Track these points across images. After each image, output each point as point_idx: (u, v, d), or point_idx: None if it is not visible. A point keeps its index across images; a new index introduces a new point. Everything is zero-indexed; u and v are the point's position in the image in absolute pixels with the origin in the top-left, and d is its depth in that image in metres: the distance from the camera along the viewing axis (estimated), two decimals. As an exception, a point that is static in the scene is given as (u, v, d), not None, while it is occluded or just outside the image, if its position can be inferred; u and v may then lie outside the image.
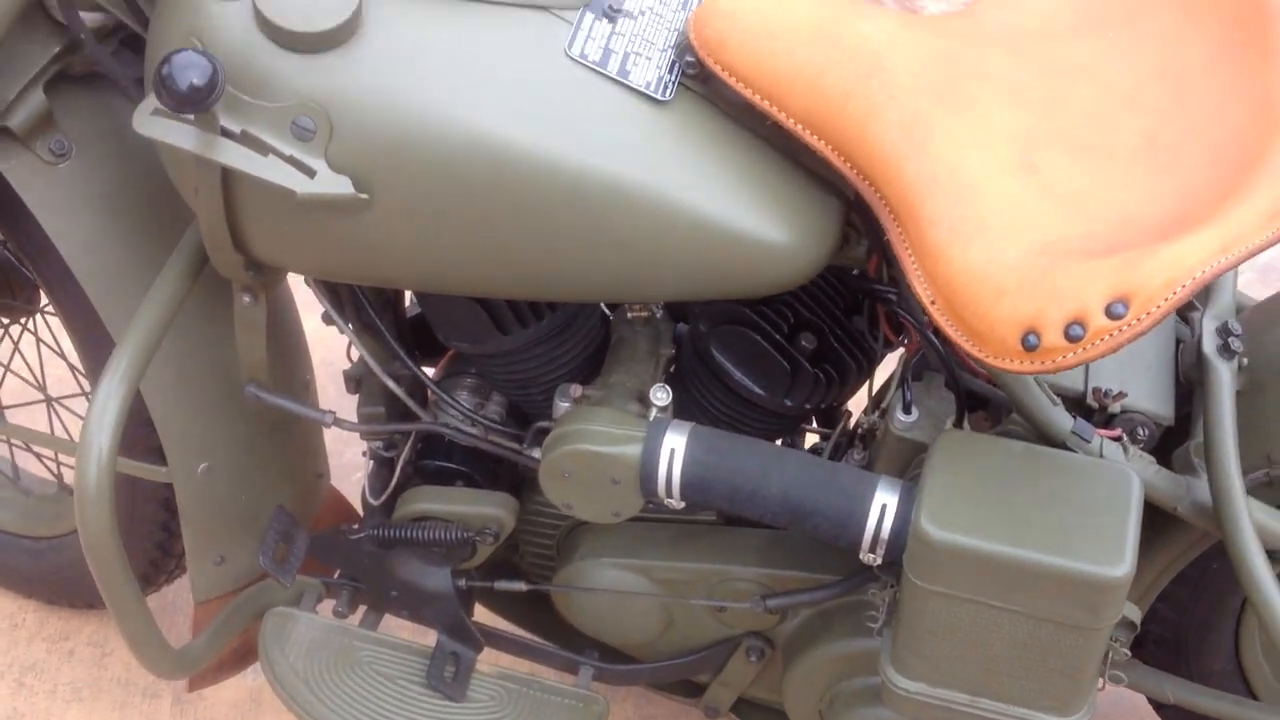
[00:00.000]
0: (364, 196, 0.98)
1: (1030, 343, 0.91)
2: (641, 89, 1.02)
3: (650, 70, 1.03)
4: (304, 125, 0.96)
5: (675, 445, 1.11)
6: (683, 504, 1.13)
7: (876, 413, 1.21)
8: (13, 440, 1.63)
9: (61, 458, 1.61)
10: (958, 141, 0.99)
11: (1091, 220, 0.96)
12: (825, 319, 1.21)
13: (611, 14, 1.04)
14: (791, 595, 1.26)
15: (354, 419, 1.30)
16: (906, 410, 1.15)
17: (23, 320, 1.54)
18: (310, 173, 0.97)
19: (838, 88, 1.01)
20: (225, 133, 0.97)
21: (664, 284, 1.06)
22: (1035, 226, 0.95)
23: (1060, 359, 0.90)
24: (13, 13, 1.07)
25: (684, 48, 1.04)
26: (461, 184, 1.00)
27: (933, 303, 0.97)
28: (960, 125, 1.00)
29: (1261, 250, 0.89)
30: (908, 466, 1.17)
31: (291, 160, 0.97)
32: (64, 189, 1.19)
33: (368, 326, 1.23)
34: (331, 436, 1.40)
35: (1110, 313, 0.88)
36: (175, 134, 0.96)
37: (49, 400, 1.56)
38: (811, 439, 1.39)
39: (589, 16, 1.03)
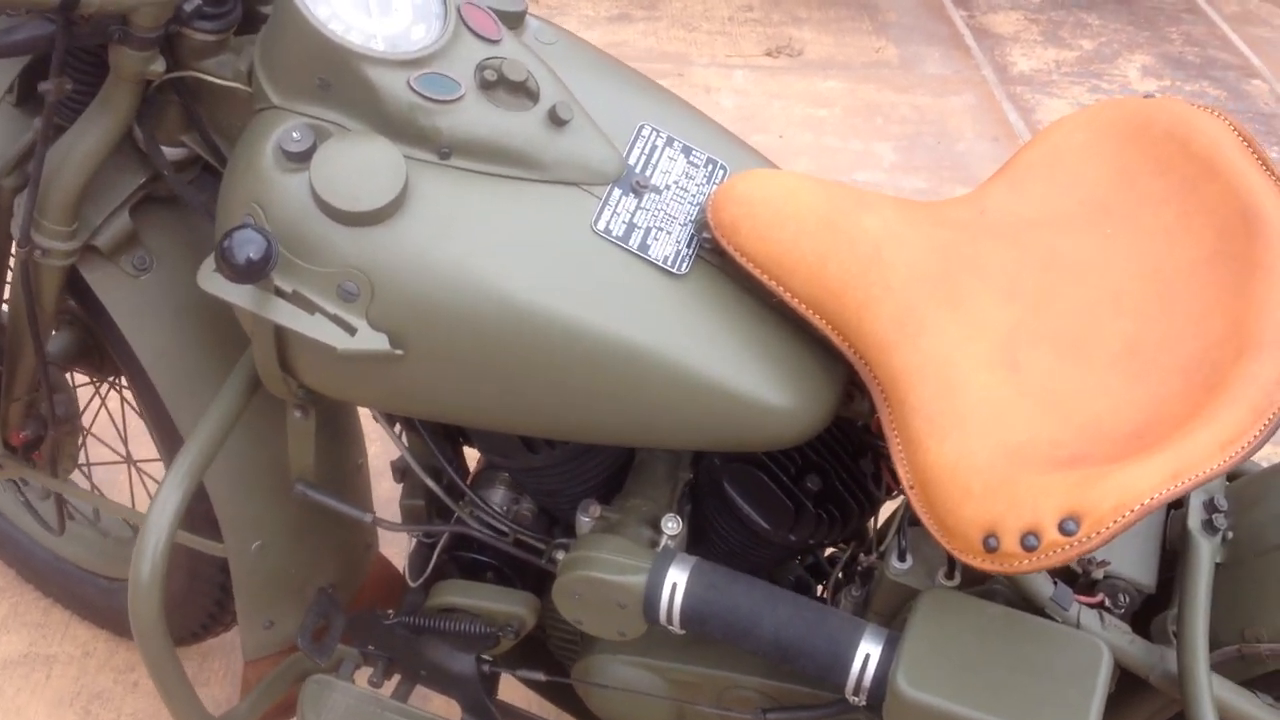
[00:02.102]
0: (399, 352, 1.08)
1: (990, 545, 0.98)
2: (659, 263, 1.11)
3: (669, 245, 1.12)
4: (349, 289, 1.07)
5: (677, 580, 1.20)
6: (683, 631, 1.22)
7: (875, 554, 1.29)
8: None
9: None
10: (947, 335, 1.06)
11: (1063, 423, 1.02)
12: (831, 463, 1.29)
13: (638, 190, 1.13)
14: (791, 711, 1.34)
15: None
16: (901, 558, 1.22)
17: (110, 380, 1.67)
18: (351, 330, 1.07)
19: (837, 277, 1.08)
20: (279, 291, 1.07)
21: (674, 436, 1.15)
22: (1008, 425, 1.02)
23: (1018, 564, 0.97)
24: (104, 152, 1.19)
25: (702, 224, 1.13)
26: (488, 344, 1.09)
27: (910, 487, 1.05)
28: (951, 319, 1.07)
29: (1213, 479, 0.95)
30: (900, 609, 1.24)
31: (335, 319, 1.07)
32: (143, 299, 1.31)
33: (411, 427, 1.33)
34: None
35: (1062, 529, 0.95)
36: (234, 293, 1.07)
37: (130, 462, 1.69)
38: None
39: (617, 192, 1.12)
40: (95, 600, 1.80)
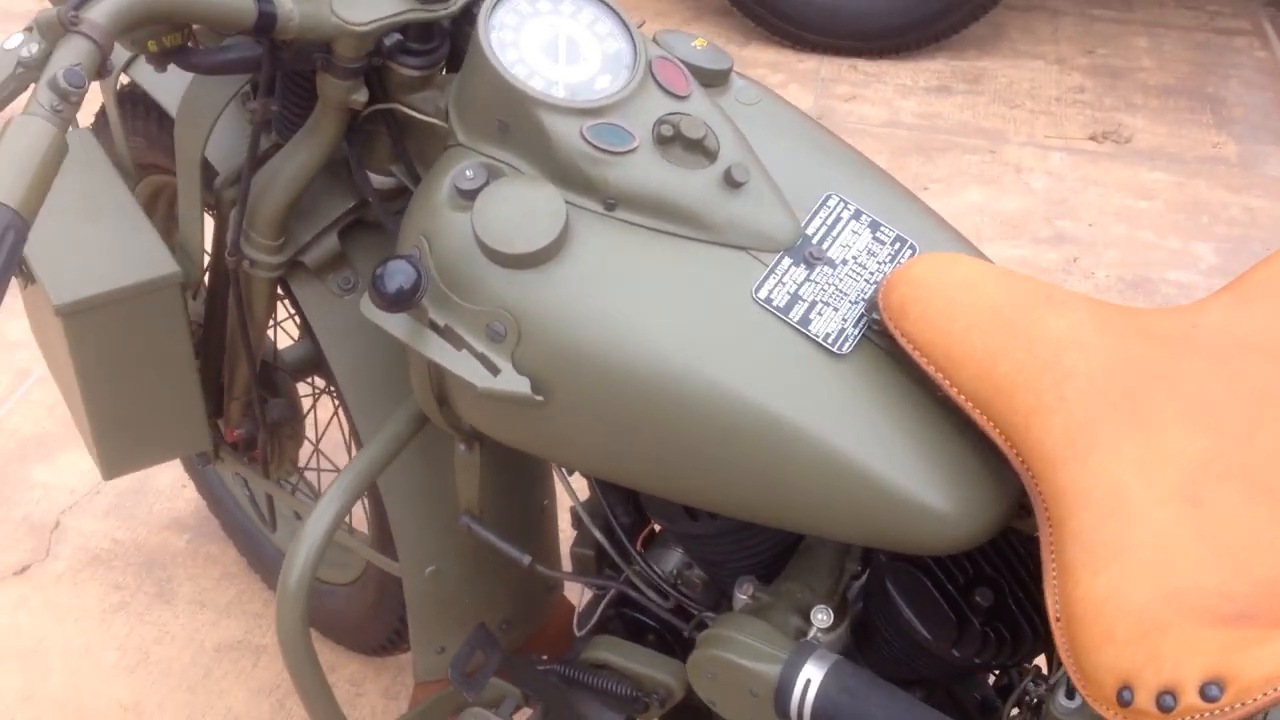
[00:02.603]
0: (539, 399, 1.07)
1: (1124, 698, 0.87)
2: (818, 340, 1.05)
3: (833, 321, 1.06)
4: (496, 329, 1.06)
5: (812, 676, 1.13)
6: (815, 732, 1.14)
7: (1045, 686, 1.17)
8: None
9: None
10: (1123, 458, 0.95)
11: (1238, 574, 0.90)
12: (1006, 578, 1.19)
13: (811, 261, 1.08)
14: None
15: None
16: (1070, 695, 1.11)
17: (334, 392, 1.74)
18: (495, 370, 1.07)
19: (1009, 378, 0.99)
20: (432, 324, 1.08)
21: (817, 523, 1.08)
22: (1174, 568, 0.90)
23: None
24: (309, 174, 1.23)
25: (874, 304, 1.06)
26: (631, 401, 1.06)
27: (1056, 619, 0.95)
28: (1131, 440, 0.96)
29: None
30: (1064, 749, 1.12)
31: (481, 357, 1.07)
32: (346, 318, 1.35)
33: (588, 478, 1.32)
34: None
35: (1204, 693, 0.83)
36: (391, 323, 1.09)
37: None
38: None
39: (786, 261, 1.07)
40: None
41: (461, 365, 1.07)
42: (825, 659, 1.14)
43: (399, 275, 1.03)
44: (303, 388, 1.67)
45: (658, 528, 1.41)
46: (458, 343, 1.08)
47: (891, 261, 1.10)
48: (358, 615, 1.77)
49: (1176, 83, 3.51)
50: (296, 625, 1.27)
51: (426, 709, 1.49)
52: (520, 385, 1.07)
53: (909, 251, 1.12)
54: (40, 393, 2.36)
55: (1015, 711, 1.19)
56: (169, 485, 2.18)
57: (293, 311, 1.47)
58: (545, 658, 1.42)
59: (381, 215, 1.28)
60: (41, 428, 2.30)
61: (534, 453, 1.19)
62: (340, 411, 1.52)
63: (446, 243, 1.07)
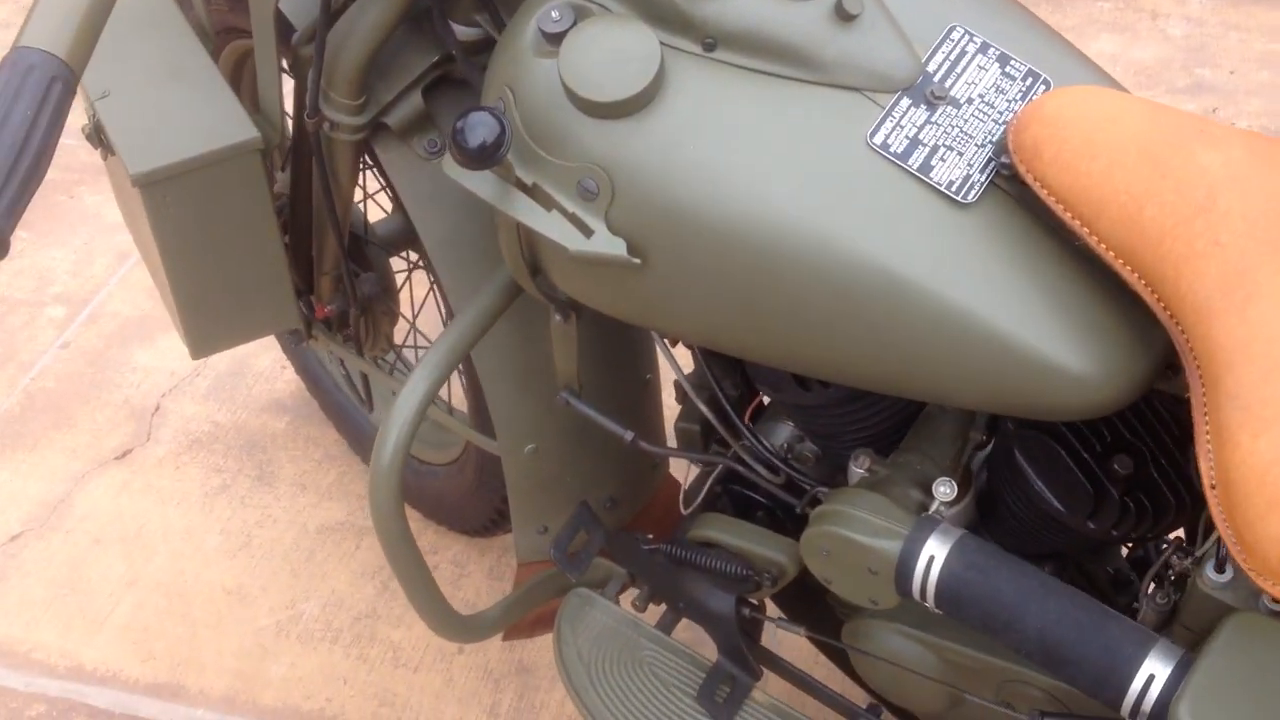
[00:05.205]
0: (636, 261, 0.99)
1: (1292, 571, 0.78)
2: (941, 188, 0.95)
3: (958, 168, 0.96)
4: (589, 186, 0.98)
5: (935, 552, 1.05)
6: (938, 610, 1.07)
7: (1190, 559, 1.08)
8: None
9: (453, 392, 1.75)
10: (1287, 307, 0.85)
11: None
12: (1149, 444, 1.09)
13: (933, 101, 0.98)
14: (1069, 716, 1.17)
15: None
16: (1220, 569, 1.02)
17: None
18: (588, 231, 0.99)
19: (1156, 223, 0.89)
20: (519, 183, 1.00)
21: (941, 390, 1.00)
22: (1349, 429, 0.81)
23: None
24: (389, 25, 1.15)
25: (1002, 147, 0.96)
26: (736, 260, 0.98)
27: (1211, 486, 0.86)
28: (1296, 288, 0.86)
29: None
30: (1212, 628, 1.04)
31: (573, 217, 0.99)
32: (432, 184, 1.28)
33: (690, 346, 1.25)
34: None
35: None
36: (475, 182, 1.01)
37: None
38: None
39: (905, 102, 0.97)
40: (408, 481, 1.83)
41: (552, 227, 1.00)
42: (949, 534, 1.06)
43: (480, 128, 0.95)
44: (398, 263, 1.62)
45: (766, 400, 1.33)
46: (547, 202, 1.00)
47: (1023, 99, 1.00)
48: (458, 496, 1.73)
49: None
50: (391, 504, 1.22)
51: (531, 589, 1.45)
52: (615, 247, 0.99)
53: (1042, 87, 1.01)
54: (139, 275, 2.34)
55: (1153, 587, 1.11)
56: (268, 367, 2.16)
57: (384, 183, 1.40)
58: (651, 536, 1.36)
59: (467, 70, 1.20)
60: (142, 310, 2.29)
61: (633, 321, 1.12)
62: (435, 286, 1.45)
63: (532, 92, 0.99)
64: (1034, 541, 1.18)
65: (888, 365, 0.99)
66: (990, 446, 1.19)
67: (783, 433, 1.30)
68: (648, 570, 1.38)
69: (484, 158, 0.96)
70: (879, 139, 0.96)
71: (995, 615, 1.03)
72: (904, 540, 1.06)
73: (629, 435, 1.28)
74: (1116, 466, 1.09)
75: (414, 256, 1.64)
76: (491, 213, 1.24)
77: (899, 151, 0.96)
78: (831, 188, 0.95)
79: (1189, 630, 1.08)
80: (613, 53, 0.96)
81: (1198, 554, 1.07)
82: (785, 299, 0.98)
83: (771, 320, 1.00)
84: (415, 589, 1.30)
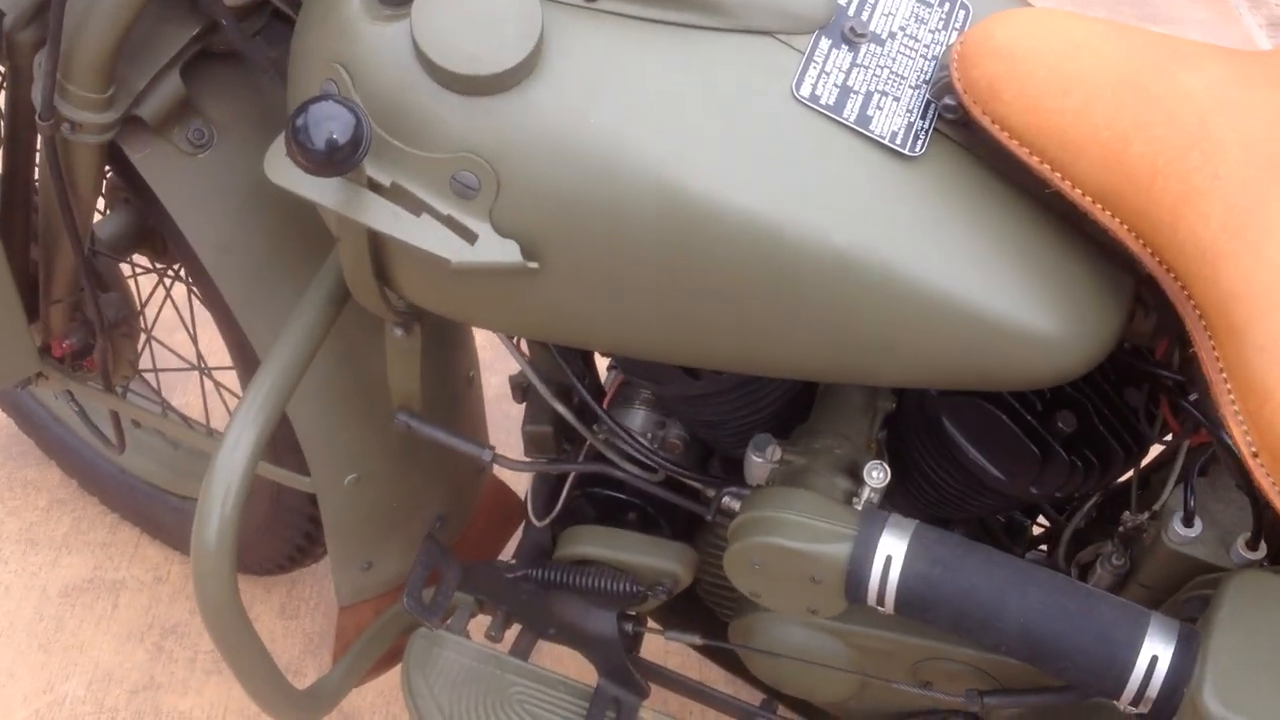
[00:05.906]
0: (533, 265, 0.80)
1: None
2: (884, 141, 0.81)
3: (897, 115, 0.81)
4: (466, 181, 0.78)
5: (893, 551, 0.92)
6: (895, 613, 0.95)
7: (1146, 514, 1.00)
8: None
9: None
10: (1303, 243, 0.75)
11: None
12: (1090, 395, 1.00)
13: (853, 39, 0.83)
14: (1014, 695, 1.08)
15: None
16: (1188, 521, 0.94)
17: (175, 269, 1.41)
18: (471, 237, 0.79)
19: (1145, 160, 0.78)
20: (372, 184, 0.79)
21: (899, 373, 0.87)
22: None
23: None
24: None
25: (943, 87, 0.82)
26: (652, 250, 0.81)
27: (1254, 454, 0.76)
28: (1309, 220, 0.76)
29: None
30: (1175, 588, 0.96)
31: (449, 221, 0.79)
32: (203, 182, 1.04)
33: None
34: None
35: None
36: (313, 189, 0.79)
37: (202, 370, 1.43)
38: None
39: (824, 43, 0.82)
40: (166, 520, 1.57)
41: (424, 236, 0.79)
42: (903, 528, 0.93)
43: (329, 123, 0.73)
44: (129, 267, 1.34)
45: (606, 388, 1.17)
46: (413, 206, 0.79)
47: (945, 28, 0.86)
48: (247, 534, 1.48)
49: None
50: (223, 594, 0.99)
51: (365, 646, 1.24)
52: (508, 253, 0.80)
53: (961, 13, 0.88)
54: None
55: (1110, 546, 1.03)
56: (-45, 406, 1.81)
57: (118, 181, 1.14)
58: (513, 562, 1.18)
59: (238, 41, 0.96)
60: None
61: (528, 335, 0.94)
62: (198, 297, 1.20)
63: (376, 69, 0.78)
64: (953, 509, 1.08)
65: (836, 354, 0.85)
66: (895, 413, 1.07)
67: (638, 420, 1.14)
68: (513, 600, 1.21)
69: (338, 160, 0.74)
70: (805, 90, 0.80)
71: (968, 614, 0.92)
72: (853, 541, 0.93)
73: (487, 453, 1.09)
74: (1060, 424, 0.99)
75: (142, 260, 1.36)
76: (296, 213, 1.02)
77: (830, 103, 0.80)
78: (758, 151, 0.79)
79: (1146, 588, 1.00)
80: (481, 12, 0.76)
81: (1155, 507, 0.99)
82: (715, 291, 0.82)
83: (700, 317, 0.84)
84: (258, 684, 1.07)
